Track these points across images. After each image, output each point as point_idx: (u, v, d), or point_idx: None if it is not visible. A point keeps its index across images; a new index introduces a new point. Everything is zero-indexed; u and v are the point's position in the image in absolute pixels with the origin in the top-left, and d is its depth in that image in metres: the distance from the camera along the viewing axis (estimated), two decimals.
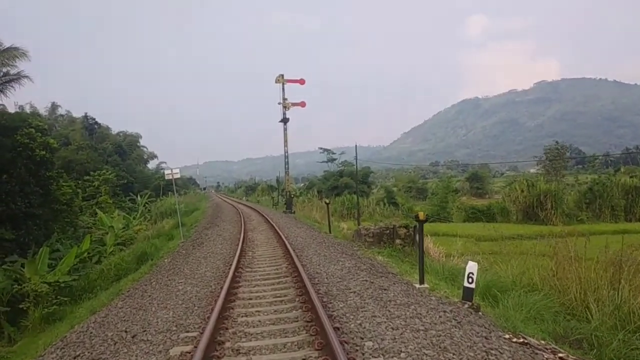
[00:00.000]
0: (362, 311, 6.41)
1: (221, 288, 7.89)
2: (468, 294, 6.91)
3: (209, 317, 6.14)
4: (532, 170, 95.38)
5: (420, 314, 6.13)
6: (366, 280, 8.31)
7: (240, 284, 8.59)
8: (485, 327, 5.74)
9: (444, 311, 6.28)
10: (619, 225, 32.40)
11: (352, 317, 6.16)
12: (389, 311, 6.32)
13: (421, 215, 7.72)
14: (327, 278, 8.83)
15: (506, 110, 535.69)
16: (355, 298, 7.15)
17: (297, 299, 7.22)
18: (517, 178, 52.78)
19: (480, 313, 6.58)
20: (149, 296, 8.69)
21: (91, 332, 6.82)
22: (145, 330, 6.39)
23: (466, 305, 6.77)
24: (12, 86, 23.28)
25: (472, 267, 6.87)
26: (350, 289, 7.76)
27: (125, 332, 6.45)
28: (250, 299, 7.55)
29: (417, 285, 7.83)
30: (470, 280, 6.86)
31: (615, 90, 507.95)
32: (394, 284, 8.02)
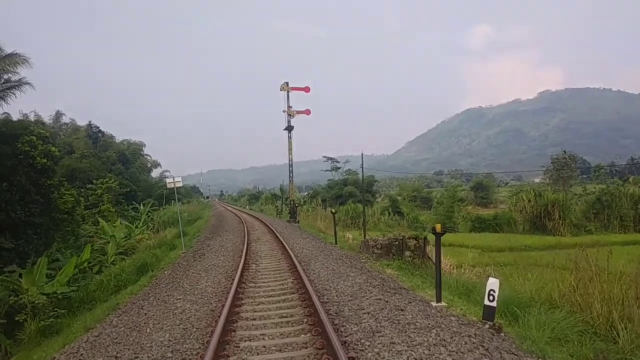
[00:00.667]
0: (378, 336, 5.85)
1: (222, 306, 7.37)
2: (489, 313, 6.41)
3: (208, 342, 5.63)
4: (536, 180, 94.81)
5: (444, 340, 5.59)
6: (380, 299, 7.76)
7: (243, 301, 8.07)
8: (515, 354, 5.23)
9: (469, 335, 5.75)
10: (629, 236, 31.81)
11: (368, 343, 5.60)
12: (409, 337, 5.77)
13: (438, 228, 7.20)
14: (337, 296, 8.27)
15: (510, 120, 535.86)
16: (370, 320, 6.57)
17: (305, 320, 6.68)
18: (523, 187, 52.28)
19: (502, 334, 6.08)
20: (145, 314, 8.14)
21: (81, 355, 6.32)
22: (137, 357, 5.86)
23: (487, 326, 6.28)
24: (13, 93, 22.94)
25: (493, 284, 6.38)
26: (363, 309, 7.20)
27: (116, 357, 5.94)
28: (254, 319, 7.02)
29: (434, 304, 7.32)
30: (491, 298, 6.37)
31: (619, 100, 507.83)
32: (410, 302, 7.48)
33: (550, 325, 6.87)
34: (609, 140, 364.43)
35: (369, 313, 6.96)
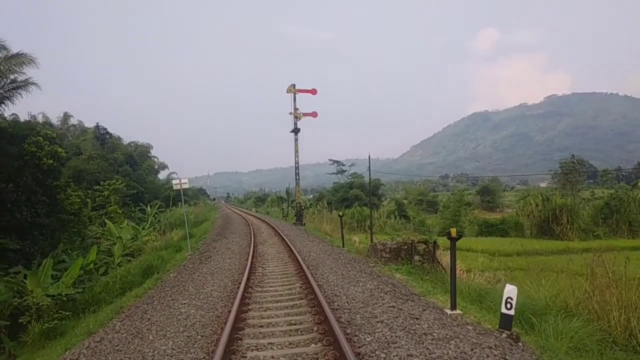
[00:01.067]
0: (394, 348, 5.50)
1: (229, 312, 7.09)
2: (506, 322, 6.15)
3: (213, 352, 5.36)
4: (542, 185, 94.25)
5: (465, 353, 5.27)
6: (393, 306, 7.43)
7: (249, 307, 7.80)
8: None
9: (489, 347, 5.45)
10: (638, 241, 31.39)
11: (383, 355, 5.26)
12: (428, 349, 5.43)
13: (453, 232, 6.93)
14: (347, 302, 7.94)
15: (516, 124, 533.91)
16: (384, 329, 6.22)
17: (315, 329, 6.37)
18: (530, 192, 51.88)
19: (520, 344, 5.85)
20: (148, 320, 7.87)
21: None
22: None
23: (504, 335, 6.04)
24: (19, 93, 22.84)
25: (511, 291, 6.12)
26: (376, 317, 6.86)
27: None
28: (262, 326, 6.71)
29: (449, 311, 7.03)
30: (508, 306, 6.12)
31: (626, 105, 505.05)
32: (425, 310, 7.19)
33: (568, 334, 6.64)
34: (615, 145, 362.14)
35: (382, 322, 6.63)
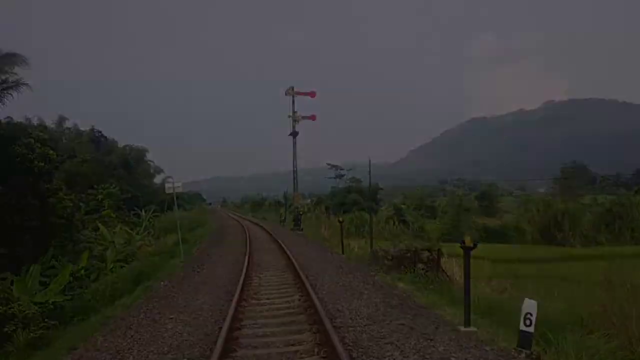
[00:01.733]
0: None
1: (219, 329, 6.43)
2: (525, 340, 5.60)
3: None
4: (540, 190, 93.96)
5: None
6: (402, 324, 6.75)
7: (243, 323, 7.14)
8: None
9: None
10: None
11: None
12: None
13: (468, 241, 6.35)
14: (351, 319, 7.23)
15: (514, 130, 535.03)
16: (395, 353, 5.49)
17: (316, 351, 5.70)
18: (530, 197, 51.47)
19: None
20: (132, 336, 7.16)
21: None
22: None
23: (523, 355, 5.49)
24: (10, 94, 22.22)
25: (530, 306, 5.57)
26: (384, 338, 6.14)
27: None
28: (256, 347, 6.01)
29: (462, 328, 6.42)
30: (528, 322, 5.57)
31: (624, 110, 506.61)
32: (438, 328, 6.55)
33: (589, 352, 6.09)
34: (613, 151, 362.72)
35: (392, 343, 5.90)
